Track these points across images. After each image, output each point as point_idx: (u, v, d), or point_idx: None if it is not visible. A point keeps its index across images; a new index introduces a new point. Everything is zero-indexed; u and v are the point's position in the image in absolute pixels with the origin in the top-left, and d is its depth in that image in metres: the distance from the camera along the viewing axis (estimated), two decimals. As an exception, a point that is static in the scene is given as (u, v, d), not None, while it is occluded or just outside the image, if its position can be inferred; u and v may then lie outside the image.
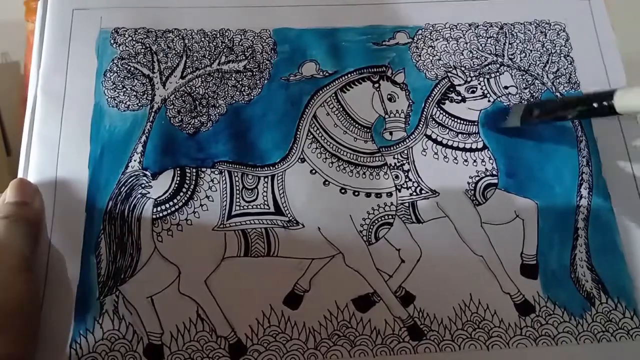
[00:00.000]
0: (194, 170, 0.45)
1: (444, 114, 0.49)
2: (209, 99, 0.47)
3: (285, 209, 0.45)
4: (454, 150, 0.48)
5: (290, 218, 0.45)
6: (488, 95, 0.49)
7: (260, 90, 0.48)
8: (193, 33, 0.49)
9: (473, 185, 0.47)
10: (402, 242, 0.45)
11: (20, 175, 0.44)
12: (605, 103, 0.40)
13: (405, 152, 0.47)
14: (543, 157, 0.47)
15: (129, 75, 0.48)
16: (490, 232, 0.45)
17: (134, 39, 0.49)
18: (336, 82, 0.48)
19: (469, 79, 0.50)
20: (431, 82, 0.49)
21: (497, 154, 0.48)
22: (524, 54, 0.51)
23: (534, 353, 0.42)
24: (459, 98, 0.49)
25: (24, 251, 0.39)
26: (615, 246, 0.45)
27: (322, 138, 0.47)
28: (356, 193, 0.45)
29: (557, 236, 0.45)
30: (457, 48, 0.51)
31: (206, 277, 0.43)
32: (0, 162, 0.67)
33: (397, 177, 0.46)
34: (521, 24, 0.52)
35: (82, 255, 0.43)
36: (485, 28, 0.51)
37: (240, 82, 0.48)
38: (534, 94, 0.49)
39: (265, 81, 0.48)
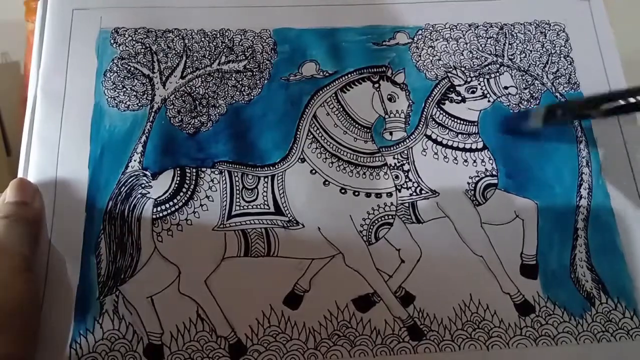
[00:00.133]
0: (194, 170, 0.45)
1: (444, 114, 0.49)
2: (209, 99, 0.47)
3: (285, 209, 0.45)
4: (453, 151, 0.48)
5: (290, 218, 0.45)
6: (488, 95, 0.49)
7: (260, 90, 0.48)
8: (193, 33, 0.49)
9: (473, 185, 0.47)
10: (402, 242, 0.45)
11: (20, 175, 0.44)
12: (632, 99, 0.40)
13: (405, 152, 0.47)
14: (543, 157, 0.48)
15: (129, 75, 0.48)
16: (490, 232, 0.45)
17: (134, 38, 0.49)
18: (336, 82, 0.48)
19: (468, 79, 0.50)
20: (431, 82, 0.49)
21: (496, 154, 0.48)
22: (523, 55, 0.51)
23: (534, 353, 0.42)
24: (459, 98, 0.49)
25: (24, 251, 0.39)
26: (615, 246, 0.45)
27: (322, 138, 0.47)
28: (356, 193, 0.45)
29: (557, 236, 0.45)
30: (457, 48, 0.51)
31: (206, 277, 0.43)
32: (0, 162, 0.67)
33: (397, 177, 0.46)
34: (521, 24, 0.52)
35: (82, 255, 0.43)
36: (485, 28, 0.51)
37: (240, 82, 0.48)
38: (534, 94, 0.49)
39: (265, 81, 0.48)
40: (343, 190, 0.45)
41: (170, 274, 0.43)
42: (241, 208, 0.45)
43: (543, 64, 0.51)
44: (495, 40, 0.51)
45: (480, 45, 0.51)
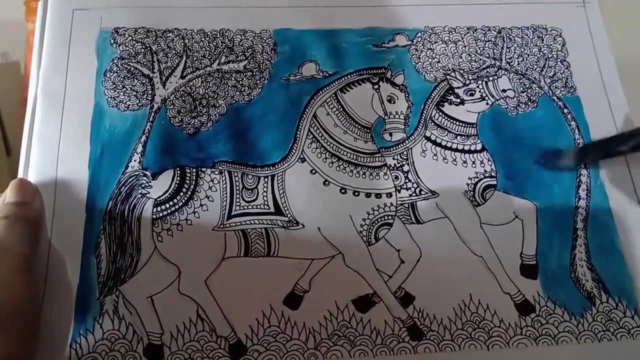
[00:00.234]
0: (194, 170, 0.45)
1: (443, 115, 0.49)
2: (209, 99, 0.48)
3: (285, 209, 0.45)
4: (453, 152, 0.48)
5: (290, 218, 0.45)
6: (486, 98, 0.50)
7: (260, 90, 0.48)
8: (193, 33, 0.49)
9: (472, 186, 0.47)
10: (401, 243, 0.45)
11: (20, 175, 0.44)
12: None
13: (405, 153, 0.47)
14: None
15: (129, 75, 0.48)
16: (490, 233, 0.45)
17: (134, 38, 0.49)
18: (336, 82, 0.49)
19: (467, 81, 0.50)
20: (430, 84, 0.50)
21: (495, 156, 0.48)
22: (521, 58, 0.51)
23: (534, 353, 0.42)
24: (458, 100, 0.49)
25: (24, 251, 0.39)
26: (614, 246, 0.46)
27: (322, 138, 0.47)
28: (356, 193, 0.46)
29: (556, 236, 0.46)
30: (455, 51, 0.51)
31: (206, 277, 0.43)
32: (0, 162, 0.66)
33: (396, 177, 0.47)
34: (518, 28, 0.52)
35: (82, 255, 0.42)
36: (484, 32, 0.52)
37: (241, 82, 0.48)
38: (532, 97, 0.50)
39: (266, 81, 0.48)
40: (343, 190, 0.45)
41: (170, 274, 0.43)
42: (241, 208, 0.45)
43: (540, 68, 0.51)
44: (493, 44, 0.51)
45: (479, 49, 0.51)
